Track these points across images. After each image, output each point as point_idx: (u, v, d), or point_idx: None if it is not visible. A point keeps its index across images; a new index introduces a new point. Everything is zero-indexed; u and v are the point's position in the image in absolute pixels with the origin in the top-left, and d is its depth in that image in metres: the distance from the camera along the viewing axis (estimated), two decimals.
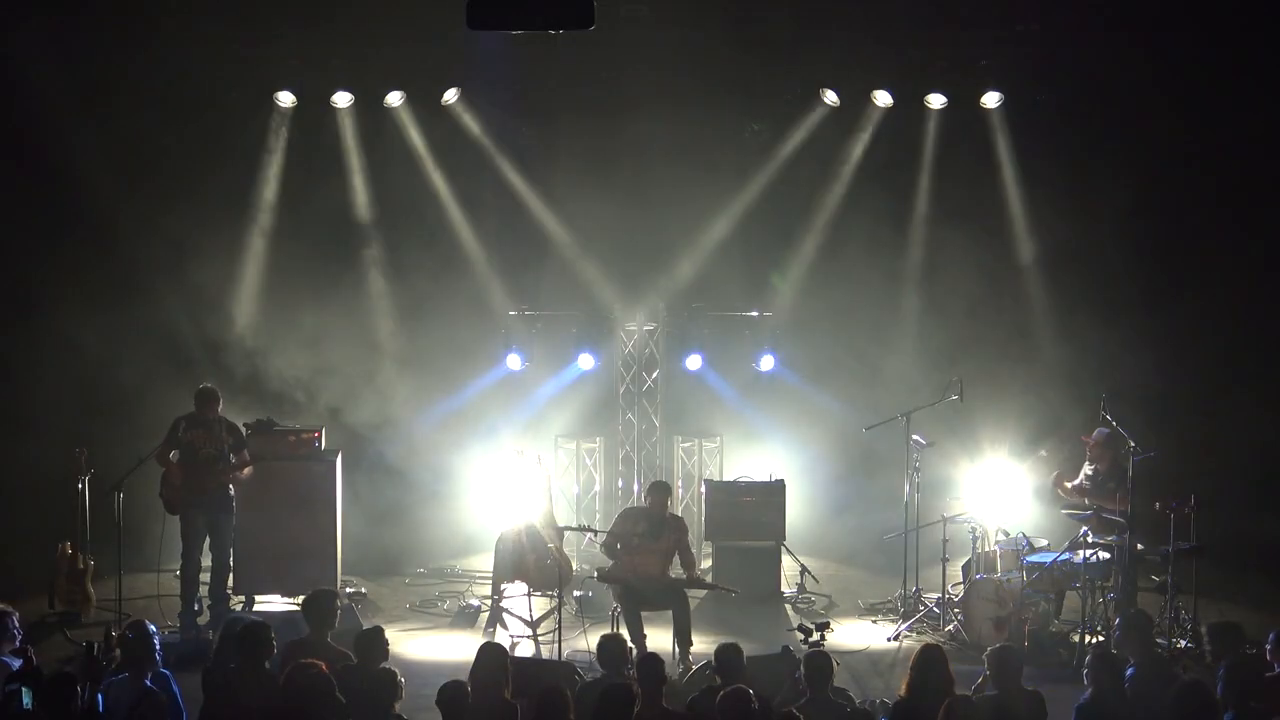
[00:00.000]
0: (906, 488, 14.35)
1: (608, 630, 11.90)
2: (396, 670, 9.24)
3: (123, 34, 14.93)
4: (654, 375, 16.16)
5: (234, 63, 15.17)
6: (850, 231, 16.39)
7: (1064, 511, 13.52)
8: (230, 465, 13.49)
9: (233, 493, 13.60)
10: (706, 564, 15.06)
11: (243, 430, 13.80)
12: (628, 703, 8.67)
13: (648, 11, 14.89)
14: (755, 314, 16.27)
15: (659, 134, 15.92)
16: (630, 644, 12.19)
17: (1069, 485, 13.66)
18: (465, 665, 9.40)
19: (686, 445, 16.30)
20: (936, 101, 15.63)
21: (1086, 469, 13.71)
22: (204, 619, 13.35)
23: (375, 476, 16.06)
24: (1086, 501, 13.35)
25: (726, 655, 9.63)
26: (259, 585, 14.18)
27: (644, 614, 12.60)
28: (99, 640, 9.17)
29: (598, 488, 16.25)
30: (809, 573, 14.28)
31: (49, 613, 13.78)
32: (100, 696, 8.85)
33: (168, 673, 9.70)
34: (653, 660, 9.30)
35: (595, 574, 13.34)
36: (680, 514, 13.72)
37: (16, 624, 10.21)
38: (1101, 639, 12.60)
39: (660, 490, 13.12)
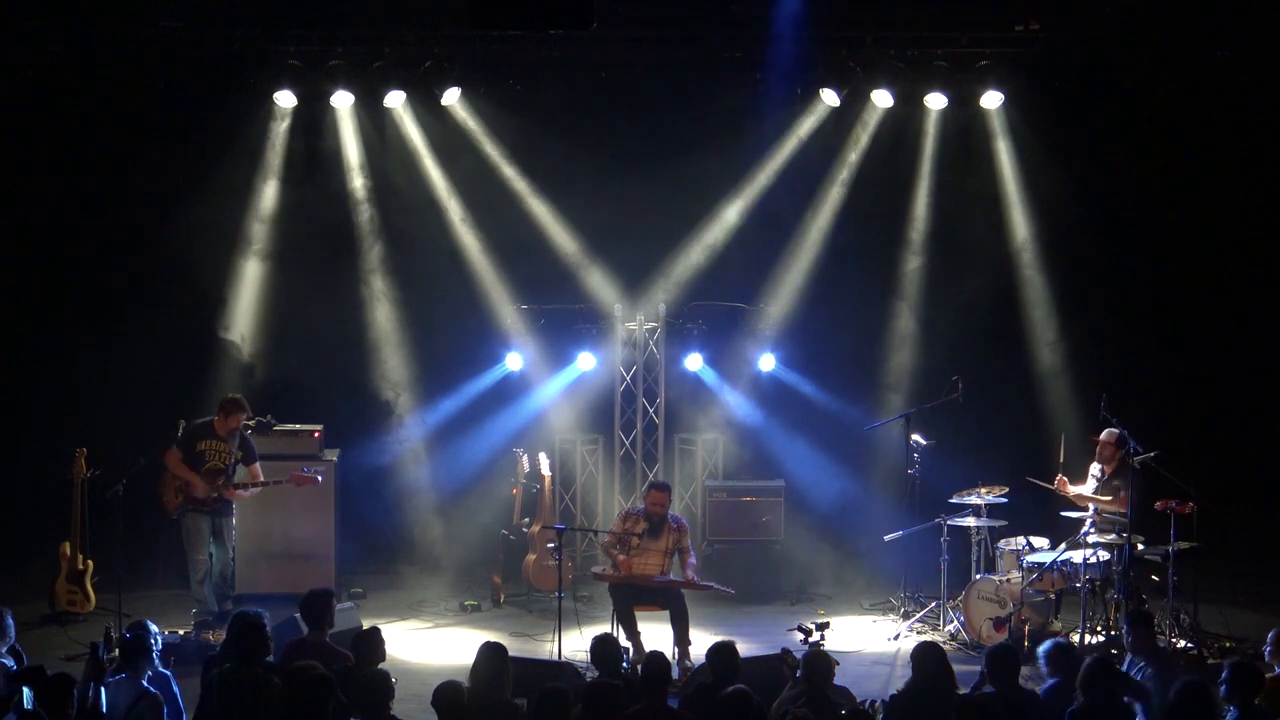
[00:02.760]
0: (907, 488, 14.39)
1: (607, 630, 11.89)
2: (389, 671, 9.23)
3: (122, 33, 14.93)
4: (654, 375, 16.16)
5: (234, 62, 15.17)
6: (850, 230, 16.38)
7: (1063, 512, 13.52)
8: (228, 481, 13.48)
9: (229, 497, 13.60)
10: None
11: (254, 445, 13.78)
12: (614, 701, 8.68)
13: (648, 10, 14.89)
14: (756, 314, 16.26)
15: (660, 133, 15.92)
16: (626, 643, 12.23)
17: (1073, 491, 13.61)
18: (465, 666, 9.40)
19: (686, 445, 16.30)
20: (936, 102, 15.61)
21: (1094, 470, 13.67)
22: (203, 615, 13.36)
23: (374, 476, 16.06)
24: (1090, 506, 13.30)
25: (720, 654, 9.61)
26: (258, 585, 14.19)
27: (644, 615, 12.61)
28: (100, 640, 9.16)
29: (598, 488, 16.26)
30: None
31: (49, 613, 13.79)
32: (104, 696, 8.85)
33: (168, 673, 9.69)
34: (658, 659, 9.30)
35: (592, 573, 13.36)
36: (680, 514, 13.72)
37: (11, 621, 10.21)
38: (1101, 639, 12.62)
39: (660, 489, 13.13)
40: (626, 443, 16.09)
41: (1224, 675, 8.90)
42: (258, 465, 13.70)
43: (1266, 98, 15.56)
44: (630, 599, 12.57)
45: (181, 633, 12.92)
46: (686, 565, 12.94)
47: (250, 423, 13.86)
